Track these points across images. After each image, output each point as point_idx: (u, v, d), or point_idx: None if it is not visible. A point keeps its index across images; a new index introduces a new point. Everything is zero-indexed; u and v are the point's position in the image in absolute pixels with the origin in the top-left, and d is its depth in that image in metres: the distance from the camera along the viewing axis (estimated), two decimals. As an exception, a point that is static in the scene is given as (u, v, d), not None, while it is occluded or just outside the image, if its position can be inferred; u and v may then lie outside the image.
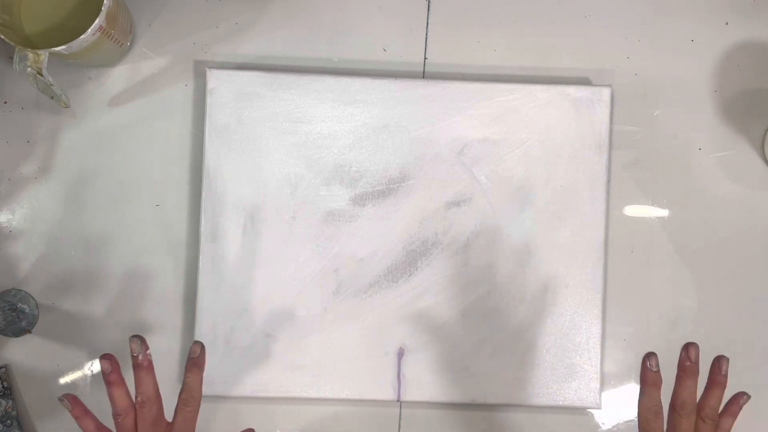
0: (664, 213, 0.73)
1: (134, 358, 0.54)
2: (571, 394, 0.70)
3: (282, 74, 0.70)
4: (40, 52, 0.62)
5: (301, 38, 0.72)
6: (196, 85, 0.72)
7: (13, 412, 0.69)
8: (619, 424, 0.72)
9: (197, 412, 0.55)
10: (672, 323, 0.73)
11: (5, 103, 0.71)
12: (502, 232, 0.71)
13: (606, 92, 0.71)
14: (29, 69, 0.62)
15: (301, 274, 0.70)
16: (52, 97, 0.66)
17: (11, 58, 0.63)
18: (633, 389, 0.72)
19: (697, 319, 0.73)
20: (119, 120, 0.71)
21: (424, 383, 0.70)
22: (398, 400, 0.70)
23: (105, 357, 0.54)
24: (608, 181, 0.71)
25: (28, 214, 0.71)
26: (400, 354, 0.70)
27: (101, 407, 0.71)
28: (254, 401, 0.70)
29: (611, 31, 0.73)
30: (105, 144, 0.71)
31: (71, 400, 0.55)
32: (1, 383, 0.69)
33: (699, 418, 0.53)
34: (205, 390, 0.68)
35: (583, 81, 0.73)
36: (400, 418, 0.72)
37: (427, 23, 0.73)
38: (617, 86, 0.73)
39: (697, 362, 0.53)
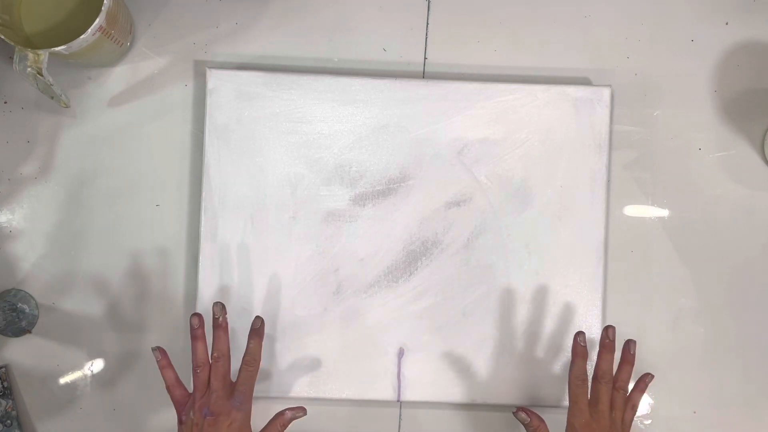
0: (664, 213, 0.73)
1: (215, 319, 0.64)
2: (571, 394, 0.70)
3: (282, 74, 0.70)
4: (40, 52, 0.62)
5: (301, 38, 0.72)
6: (196, 85, 0.72)
7: (13, 412, 0.69)
8: (619, 424, 0.72)
9: (257, 372, 0.64)
10: (672, 323, 0.73)
11: (5, 103, 0.71)
12: (502, 232, 0.71)
13: (606, 92, 0.71)
14: (29, 69, 0.62)
15: (301, 274, 0.70)
16: (52, 97, 0.66)
17: (11, 58, 0.63)
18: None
19: (697, 319, 0.73)
20: (119, 120, 0.71)
21: (424, 383, 0.70)
22: (398, 400, 0.70)
23: (195, 315, 0.64)
24: (608, 181, 0.71)
25: (28, 214, 0.71)
26: (400, 354, 0.70)
27: (100, 406, 0.71)
28: (254, 401, 0.70)
29: (611, 31, 0.73)
30: (105, 144, 0.71)
31: (161, 352, 0.64)
32: (1, 383, 0.69)
33: (614, 388, 0.64)
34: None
35: (583, 81, 0.73)
36: (400, 418, 0.72)
37: (427, 23, 0.73)
38: (617, 86, 0.73)
39: (613, 341, 0.65)
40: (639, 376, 0.67)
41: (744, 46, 0.73)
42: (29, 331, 0.70)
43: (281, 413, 0.63)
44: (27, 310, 0.70)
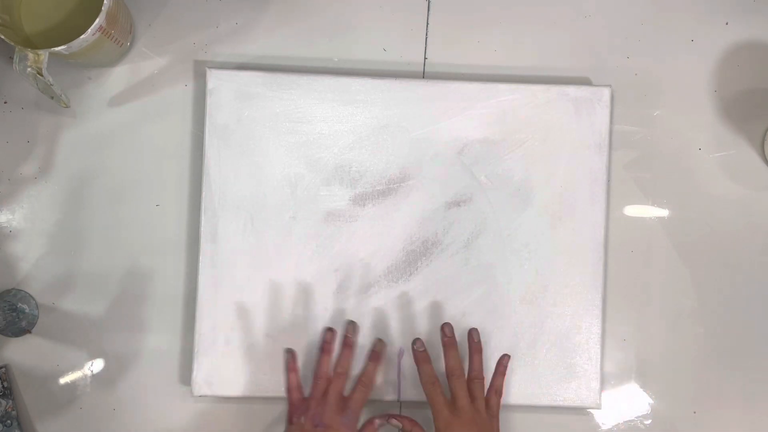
0: (664, 213, 0.73)
1: (346, 337, 0.68)
2: (571, 394, 0.70)
3: (282, 74, 0.70)
4: (40, 52, 0.62)
5: (301, 38, 0.72)
6: (196, 85, 0.72)
7: (13, 412, 0.69)
8: (619, 424, 0.72)
9: (370, 393, 0.67)
10: (672, 323, 0.73)
11: (5, 103, 0.71)
12: (502, 232, 0.71)
13: (606, 92, 0.71)
14: (29, 69, 0.62)
15: (301, 274, 0.70)
16: (52, 97, 0.66)
17: (11, 58, 0.63)
18: (633, 389, 0.72)
19: (697, 319, 0.73)
20: (119, 120, 0.71)
21: (424, 383, 0.70)
22: (398, 400, 0.70)
23: (330, 330, 0.68)
24: (608, 181, 0.71)
25: (28, 214, 0.71)
26: (400, 354, 0.70)
27: (100, 406, 0.71)
28: (254, 401, 0.70)
29: (611, 31, 0.73)
30: (105, 144, 0.71)
31: (293, 355, 0.68)
32: (1, 383, 0.69)
33: (469, 380, 0.66)
34: (205, 390, 0.69)
35: (583, 81, 0.73)
36: (400, 418, 0.72)
37: (427, 23, 0.73)
38: (617, 86, 0.73)
39: (452, 336, 0.67)
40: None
41: (744, 46, 0.73)
42: (29, 331, 0.70)
43: (370, 421, 0.67)
44: (27, 310, 0.70)
